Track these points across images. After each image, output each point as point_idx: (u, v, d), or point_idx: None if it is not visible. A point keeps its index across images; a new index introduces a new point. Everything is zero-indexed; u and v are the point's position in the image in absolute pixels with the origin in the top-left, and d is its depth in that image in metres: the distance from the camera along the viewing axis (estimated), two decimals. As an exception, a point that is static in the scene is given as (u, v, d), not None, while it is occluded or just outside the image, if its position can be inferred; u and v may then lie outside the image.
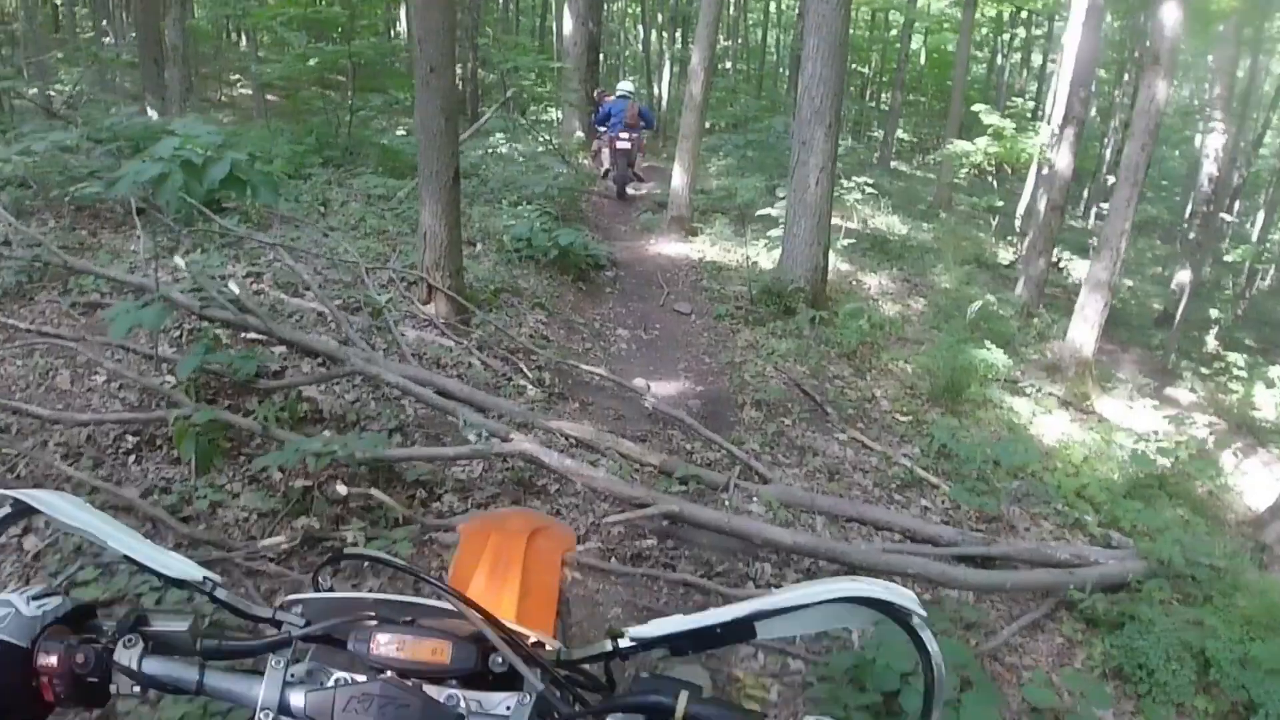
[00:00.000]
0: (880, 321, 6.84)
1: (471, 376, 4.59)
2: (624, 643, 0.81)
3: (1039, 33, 22.86)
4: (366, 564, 2.88)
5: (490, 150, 11.17)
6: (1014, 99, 16.61)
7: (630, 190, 11.09)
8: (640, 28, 21.75)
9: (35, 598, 0.79)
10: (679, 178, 8.78)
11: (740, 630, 0.79)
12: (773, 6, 27.30)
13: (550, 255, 6.66)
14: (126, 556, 0.83)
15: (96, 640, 0.79)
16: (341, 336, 4.62)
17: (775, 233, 7.81)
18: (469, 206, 7.99)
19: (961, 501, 4.39)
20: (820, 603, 0.77)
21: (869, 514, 4.13)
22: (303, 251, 5.56)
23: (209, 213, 5.26)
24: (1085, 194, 19.73)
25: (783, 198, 8.01)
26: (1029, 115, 13.45)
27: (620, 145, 10.40)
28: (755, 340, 6.28)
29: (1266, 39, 16.08)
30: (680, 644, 0.81)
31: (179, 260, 4.81)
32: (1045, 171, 12.66)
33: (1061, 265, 13.62)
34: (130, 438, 3.42)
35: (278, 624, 0.82)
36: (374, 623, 0.79)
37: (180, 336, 4.31)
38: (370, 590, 2.65)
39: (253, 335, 4.37)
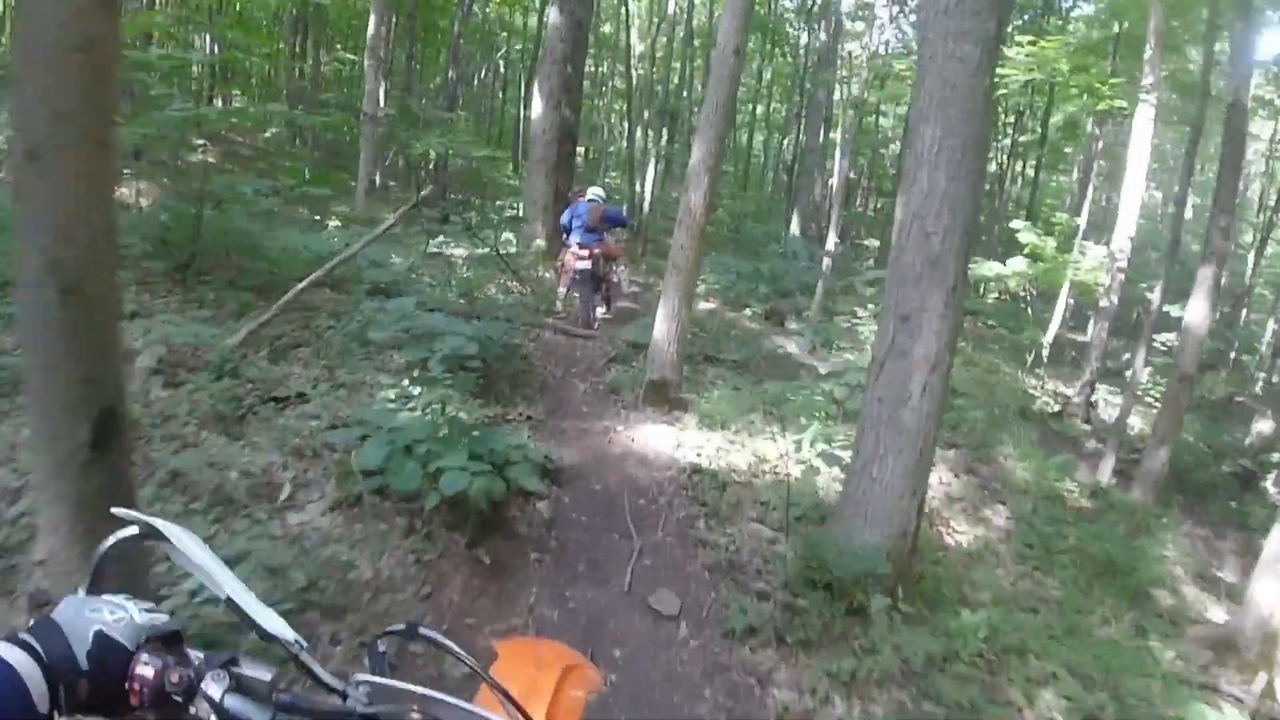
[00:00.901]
0: (1003, 626, 3.50)
1: None
2: None
3: (1029, 138, 20.20)
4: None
5: (440, 252, 7.97)
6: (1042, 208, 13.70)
7: (601, 313, 7.92)
8: (626, 123, 18.88)
9: (147, 610, 0.78)
10: (663, 326, 5.43)
11: None
12: (759, 109, 24.74)
13: (430, 501, 3.30)
14: (231, 602, 0.81)
15: (187, 664, 0.78)
16: None
17: (819, 432, 4.49)
18: (338, 364, 4.71)
19: None
20: None
21: None
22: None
23: None
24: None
25: (826, 373, 4.75)
26: (1068, 233, 10.43)
27: (580, 265, 7.30)
28: (800, 696, 2.90)
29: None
30: None
31: None
32: (1104, 304, 9.67)
33: (1094, 400, 10.45)
34: None
35: (344, 696, 0.81)
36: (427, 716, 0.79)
37: None
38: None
39: None
